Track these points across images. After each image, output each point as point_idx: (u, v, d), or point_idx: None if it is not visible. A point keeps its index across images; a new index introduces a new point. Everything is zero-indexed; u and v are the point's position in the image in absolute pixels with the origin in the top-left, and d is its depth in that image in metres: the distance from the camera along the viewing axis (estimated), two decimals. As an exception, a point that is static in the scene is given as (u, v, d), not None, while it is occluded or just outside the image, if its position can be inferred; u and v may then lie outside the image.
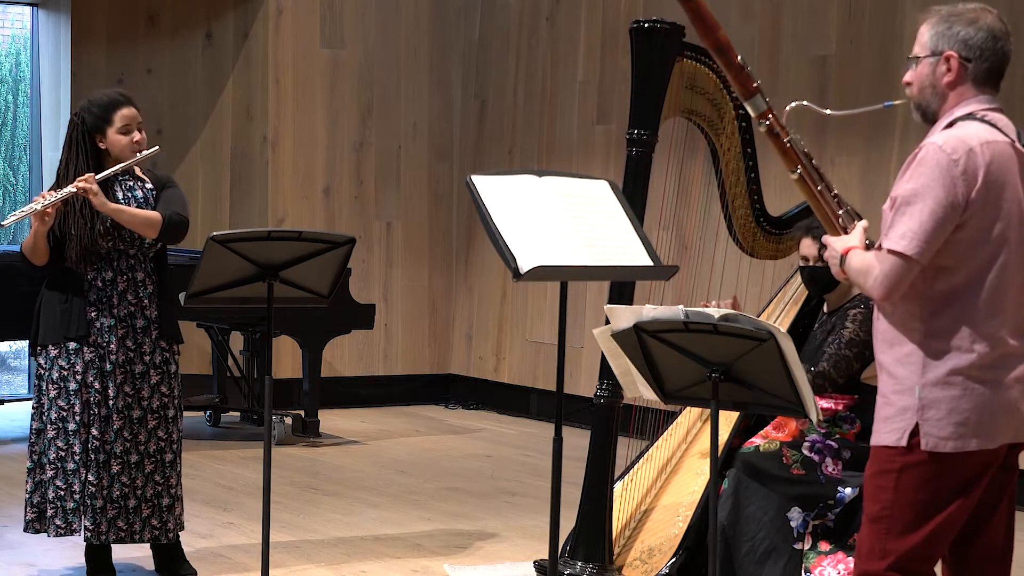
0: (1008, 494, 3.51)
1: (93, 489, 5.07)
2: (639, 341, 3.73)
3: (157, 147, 5.19)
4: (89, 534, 5.11)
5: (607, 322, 3.86)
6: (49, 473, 5.10)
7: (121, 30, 9.51)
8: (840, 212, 3.59)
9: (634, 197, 5.10)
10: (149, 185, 5.21)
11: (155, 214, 5.08)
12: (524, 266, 4.07)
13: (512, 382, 9.82)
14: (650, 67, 5.24)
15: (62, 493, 5.09)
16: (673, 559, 5.07)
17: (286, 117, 9.54)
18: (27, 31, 10.72)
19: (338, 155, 9.74)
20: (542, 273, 4.14)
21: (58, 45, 9.37)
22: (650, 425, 5.63)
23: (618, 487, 5.41)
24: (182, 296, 4.74)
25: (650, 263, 4.37)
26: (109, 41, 9.49)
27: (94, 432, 5.07)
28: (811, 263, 4.99)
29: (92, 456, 5.07)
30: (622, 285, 5.37)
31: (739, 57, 3.74)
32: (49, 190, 5.13)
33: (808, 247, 4.99)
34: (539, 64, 9.64)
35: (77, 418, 5.06)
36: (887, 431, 3.41)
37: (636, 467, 5.51)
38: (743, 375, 3.69)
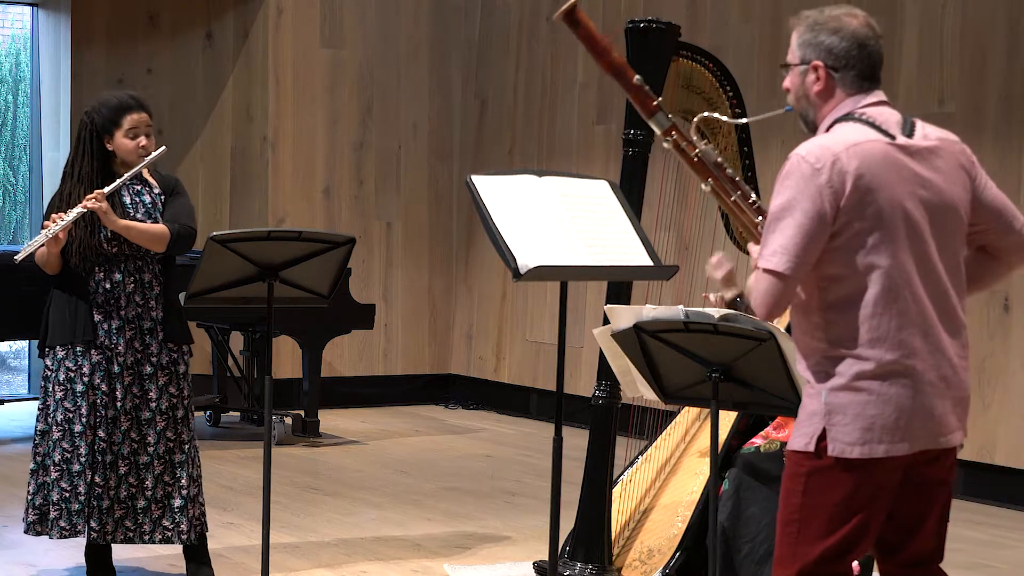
0: (940, 505, 3.41)
1: (99, 490, 5.05)
2: (639, 341, 3.73)
3: (164, 148, 5.17)
4: (95, 535, 5.09)
5: (607, 322, 3.86)
6: (54, 475, 5.09)
7: (121, 30, 9.51)
8: (758, 220, 3.54)
9: (631, 197, 5.10)
10: (157, 190, 5.19)
11: (163, 229, 5.06)
12: (524, 266, 4.08)
13: (512, 382, 9.83)
14: (646, 67, 5.22)
15: (67, 495, 5.07)
16: (672, 559, 5.07)
17: (286, 117, 9.54)
18: (27, 31, 10.72)
19: (338, 155, 9.74)
20: (542, 273, 4.14)
21: (58, 45, 9.37)
22: (649, 425, 5.63)
23: (617, 487, 5.41)
24: (182, 296, 4.74)
25: (650, 263, 4.38)
26: (109, 41, 9.49)
27: (100, 434, 5.06)
28: None
29: (99, 458, 5.06)
30: (620, 285, 5.37)
31: (636, 77, 3.72)
32: (58, 211, 5.01)
33: None
34: (539, 64, 9.64)
35: (83, 420, 5.05)
36: (797, 436, 3.32)
37: (635, 467, 5.51)
38: (743, 375, 3.69)
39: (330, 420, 8.99)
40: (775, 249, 3.23)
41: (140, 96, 5.20)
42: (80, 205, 4.97)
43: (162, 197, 5.19)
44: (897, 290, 3.25)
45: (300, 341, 8.53)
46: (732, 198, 3.56)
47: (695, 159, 3.58)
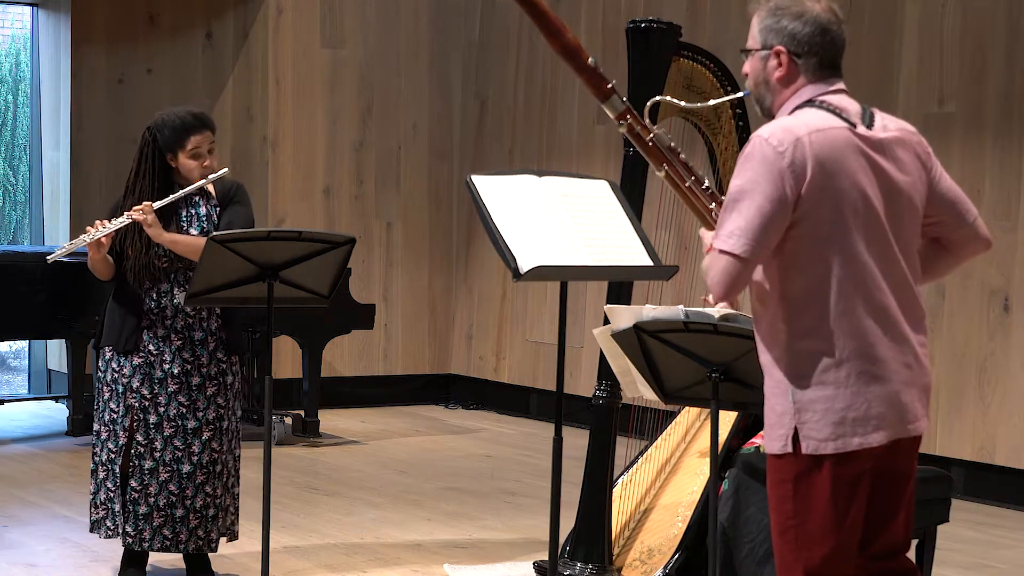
0: (908, 496, 3.40)
1: (136, 495, 5.05)
2: (639, 341, 3.73)
3: (226, 169, 5.12)
4: (131, 540, 5.08)
5: (607, 322, 3.86)
6: (101, 475, 5.09)
7: (121, 30, 9.51)
8: (712, 206, 3.51)
9: (632, 196, 5.10)
10: (214, 201, 5.14)
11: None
12: (524, 266, 4.08)
13: (512, 382, 9.83)
14: (647, 67, 5.25)
15: (112, 495, 5.07)
16: (673, 559, 5.07)
17: (286, 117, 9.54)
18: (27, 31, 10.72)
19: (338, 155, 9.74)
20: (542, 273, 4.14)
21: (58, 45, 9.37)
22: (649, 425, 5.63)
23: (617, 487, 5.41)
24: (182, 296, 4.73)
25: (650, 263, 4.38)
26: (109, 41, 9.48)
27: (139, 438, 5.05)
28: None
29: (136, 462, 5.05)
30: (621, 285, 5.38)
31: (590, 59, 3.69)
32: (107, 218, 5.00)
33: None
34: (539, 64, 9.65)
35: (124, 422, 5.06)
36: (772, 439, 3.29)
37: (635, 467, 5.51)
38: (743, 375, 3.69)
39: (330, 420, 8.99)
40: (732, 231, 3.19)
41: (203, 114, 5.13)
42: (127, 215, 4.95)
43: (218, 209, 5.13)
44: (859, 280, 3.23)
45: (300, 341, 8.53)
46: (687, 184, 3.54)
47: (650, 143, 3.56)
